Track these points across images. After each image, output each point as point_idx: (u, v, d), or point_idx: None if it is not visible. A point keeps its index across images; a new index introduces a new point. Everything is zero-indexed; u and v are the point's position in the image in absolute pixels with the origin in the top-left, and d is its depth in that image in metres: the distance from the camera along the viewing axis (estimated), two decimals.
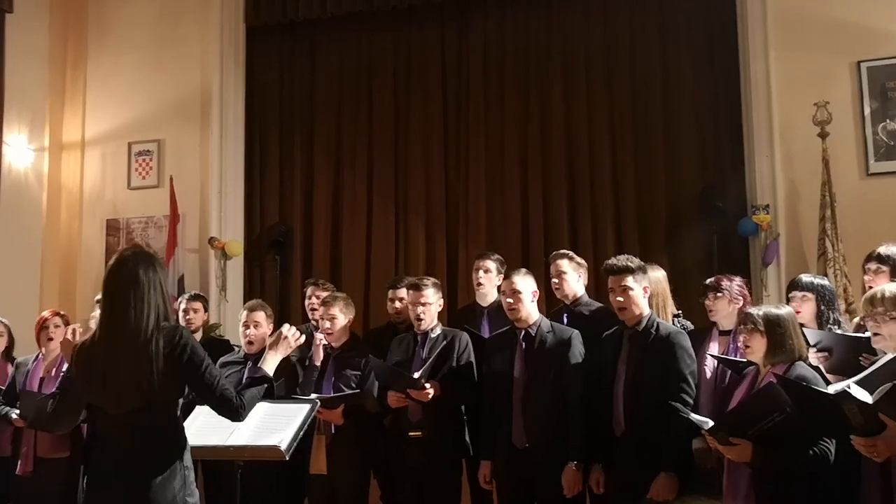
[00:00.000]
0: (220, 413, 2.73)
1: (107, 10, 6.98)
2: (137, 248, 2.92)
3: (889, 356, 2.70)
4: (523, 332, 3.82)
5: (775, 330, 2.99)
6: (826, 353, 3.27)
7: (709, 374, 3.61)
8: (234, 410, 2.69)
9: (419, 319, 4.05)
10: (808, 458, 2.78)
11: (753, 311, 3.11)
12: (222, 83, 6.57)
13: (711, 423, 2.91)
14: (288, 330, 3.06)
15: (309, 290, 4.96)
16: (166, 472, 2.61)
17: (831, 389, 2.59)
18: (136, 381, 2.57)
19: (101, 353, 2.65)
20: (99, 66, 6.94)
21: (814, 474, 2.82)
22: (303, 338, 3.11)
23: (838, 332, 3.49)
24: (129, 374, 2.59)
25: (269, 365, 2.95)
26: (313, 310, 4.77)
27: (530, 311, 3.82)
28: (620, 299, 3.55)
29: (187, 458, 2.69)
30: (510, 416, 3.75)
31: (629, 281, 3.53)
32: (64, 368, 3.83)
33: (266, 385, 2.83)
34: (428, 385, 3.81)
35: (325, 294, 4.57)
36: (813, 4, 5.42)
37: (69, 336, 3.49)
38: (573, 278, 4.23)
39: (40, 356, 4.55)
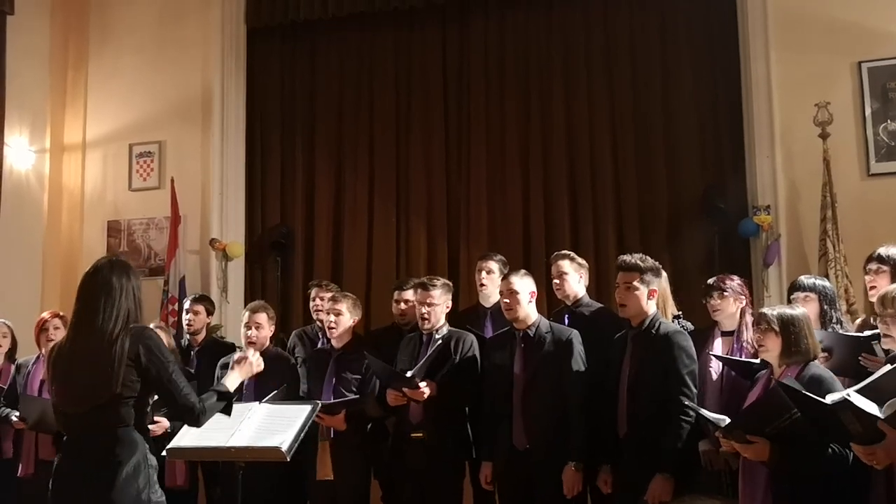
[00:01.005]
0: (179, 418, 2.83)
1: (108, 12, 6.97)
2: (114, 258, 2.99)
3: (891, 366, 2.66)
4: (522, 333, 3.82)
5: (790, 330, 2.98)
6: (826, 353, 3.27)
7: (714, 376, 3.60)
8: (194, 417, 2.79)
9: (424, 319, 4.05)
10: (827, 458, 2.75)
11: (767, 310, 3.09)
12: (223, 84, 6.56)
13: (728, 421, 2.90)
14: (253, 356, 3.28)
15: (313, 292, 4.94)
16: (130, 470, 2.66)
17: (829, 399, 2.56)
18: (96, 382, 2.64)
19: (67, 354, 2.74)
20: (100, 68, 6.94)
21: (830, 475, 2.80)
22: (262, 366, 3.30)
23: (839, 331, 3.49)
24: (89, 374, 2.66)
25: (231, 382, 3.05)
26: (318, 311, 4.76)
27: (528, 311, 3.82)
28: (622, 296, 3.56)
29: (151, 458, 2.75)
30: (510, 417, 3.75)
31: (635, 280, 3.53)
32: None
33: (226, 400, 2.91)
34: (423, 384, 3.81)
35: (329, 295, 4.56)
36: (813, 4, 5.41)
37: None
38: (574, 279, 4.23)
39: (41, 357, 4.55)
